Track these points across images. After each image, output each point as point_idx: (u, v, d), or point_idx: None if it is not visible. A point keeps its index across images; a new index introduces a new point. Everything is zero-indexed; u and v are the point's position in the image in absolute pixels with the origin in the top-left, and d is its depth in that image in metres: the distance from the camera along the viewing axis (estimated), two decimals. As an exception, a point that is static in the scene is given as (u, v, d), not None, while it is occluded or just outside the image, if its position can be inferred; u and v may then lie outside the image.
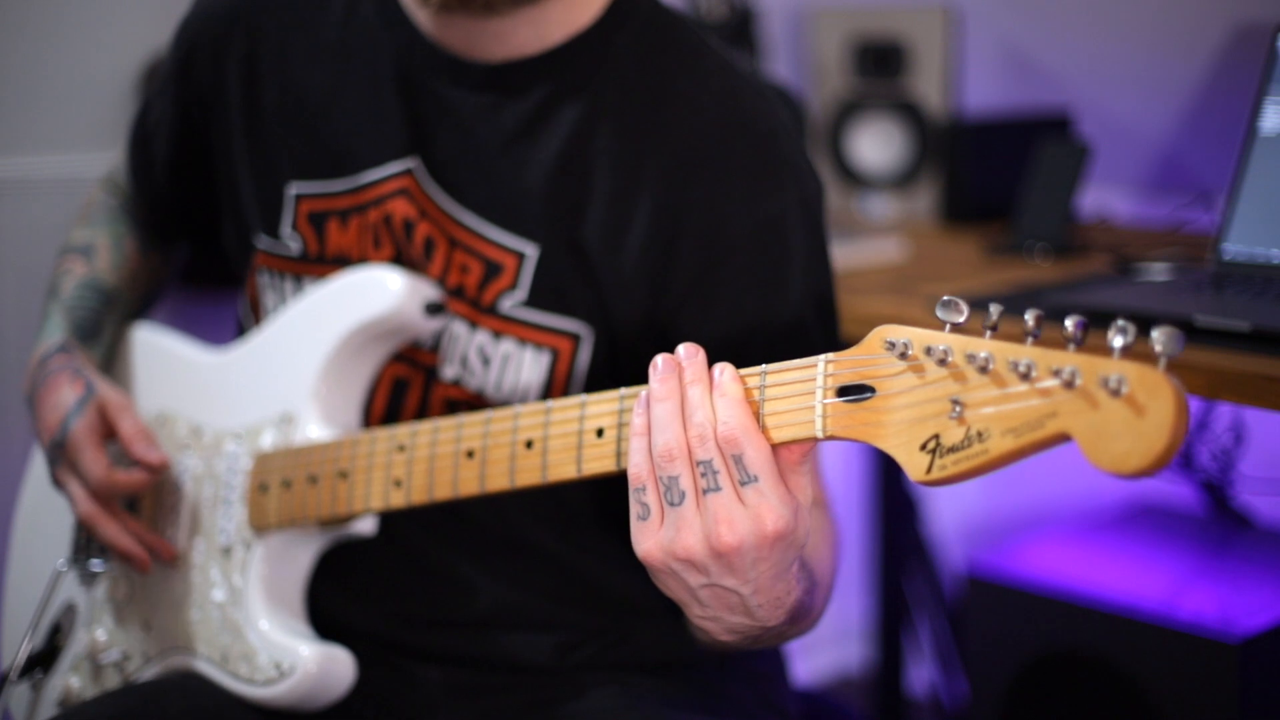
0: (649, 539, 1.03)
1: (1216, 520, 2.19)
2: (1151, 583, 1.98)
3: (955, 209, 2.35)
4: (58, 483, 1.40)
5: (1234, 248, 1.72)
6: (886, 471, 2.54)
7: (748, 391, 1.02)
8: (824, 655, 2.93)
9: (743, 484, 1.00)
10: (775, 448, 1.01)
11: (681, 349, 1.05)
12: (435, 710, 1.37)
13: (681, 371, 1.04)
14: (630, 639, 1.38)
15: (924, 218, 2.43)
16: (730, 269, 1.29)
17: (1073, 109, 2.39)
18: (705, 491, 1.01)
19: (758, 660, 1.46)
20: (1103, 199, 2.34)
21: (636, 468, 1.04)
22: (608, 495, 1.34)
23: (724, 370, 1.03)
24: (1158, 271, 1.81)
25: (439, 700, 1.37)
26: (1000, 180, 2.27)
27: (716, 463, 1.01)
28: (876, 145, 2.47)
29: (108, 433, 1.39)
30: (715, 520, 1.00)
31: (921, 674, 2.73)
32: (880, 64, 2.46)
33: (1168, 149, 2.33)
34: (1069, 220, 2.06)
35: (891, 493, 2.54)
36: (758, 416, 1.02)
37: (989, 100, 2.54)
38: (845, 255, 2.01)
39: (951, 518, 2.74)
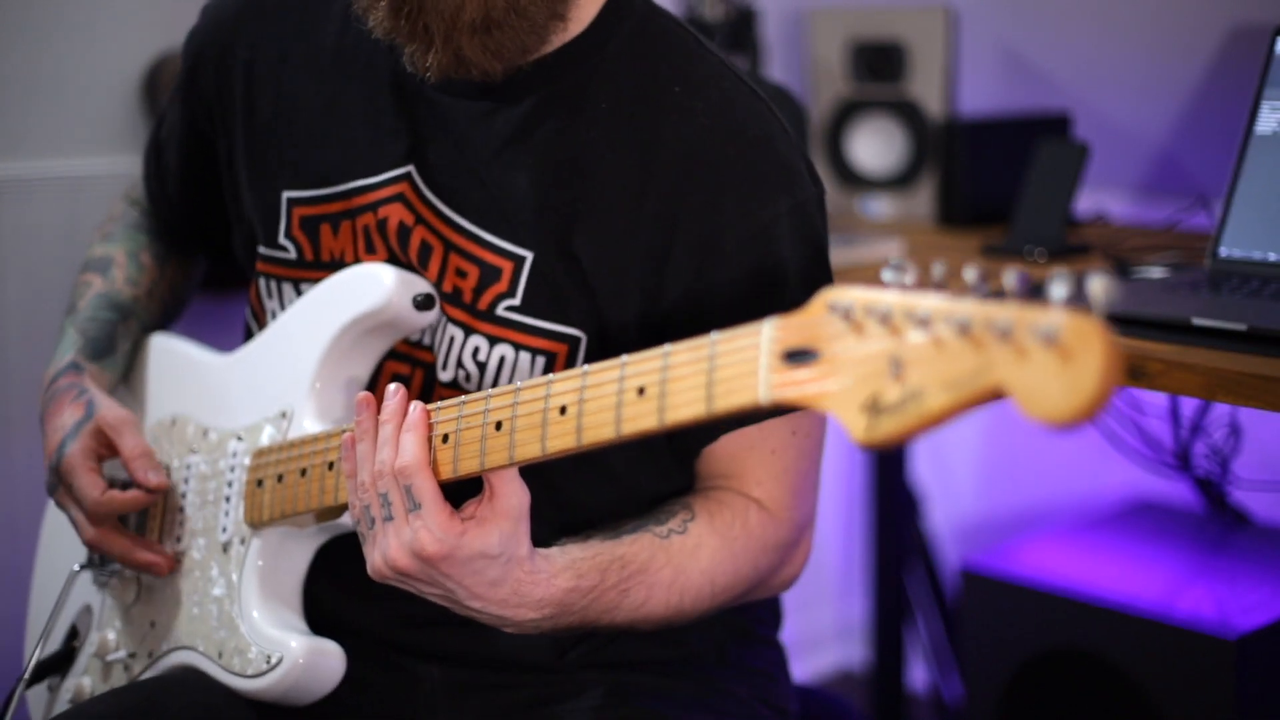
0: (367, 558, 1.19)
1: (1214, 518, 2.20)
2: (1149, 580, 1.98)
3: (953, 210, 2.36)
4: (59, 505, 1.42)
5: (1231, 249, 1.73)
6: (886, 469, 2.55)
7: (431, 428, 1.16)
8: (824, 653, 2.94)
9: (410, 511, 1.14)
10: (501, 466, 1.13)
11: (390, 386, 1.18)
12: (435, 708, 1.38)
13: (375, 410, 1.19)
14: (628, 637, 1.37)
15: (923, 218, 2.43)
16: (724, 278, 1.29)
17: (1071, 110, 2.39)
18: (385, 520, 1.16)
19: (756, 658, 1.46)
20: (1100, 201, 2.35)
21: (350, 504, 1.20)
22: (606, 492, 1.34)
23: (416, 407, 1.17)
24: (1155, 272, 1.82)
25: (439, 698, 1.38)
26: (998, 181, 2.27)
27: (392, 494, 1.15)
28: (875, 146, 2.48)
29: (106, 453, 1.40)
30: (389, 545, 1.15)
31: (922, 671, 2.74)
32: (879, 65, 2.46)
33: (1165, 150, 2.34)
34: (1066, 221, 2.06)
35: (891, 491, 2.55)
36: (441, 450, 1.16)
37: (987, 101, 2.55)
38: (844, 256, 2.02)
39: (950, 515, 2.75)
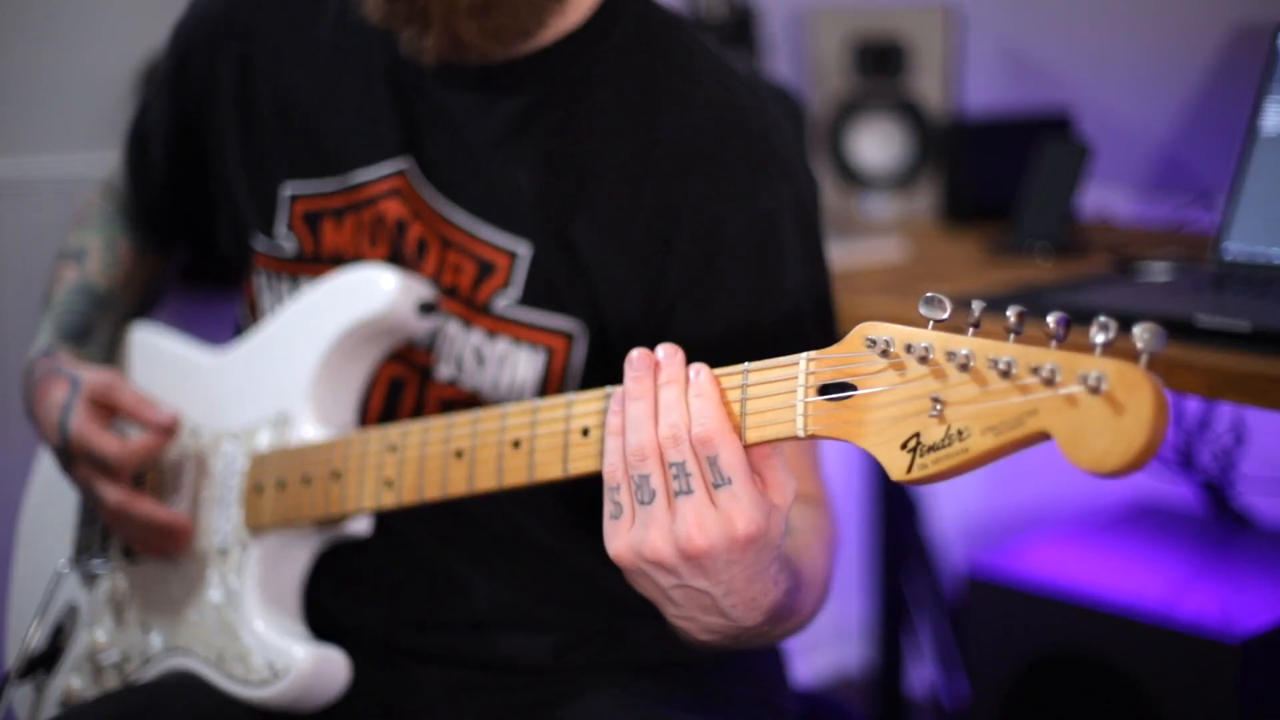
0: (620, 538, 1.04)
1: (1217, 521, 2.19)
2: (1152, 583, 1.98)
3: (955, 209, 2.36)
4: (79, 482, 1.39)
5: (1234, 247, 1.72)
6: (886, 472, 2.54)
7: (723, 393, 1.02)
8: (824, 655, 2.93)
9: (716, 486, 1.00)
10: (747, 446, 1.01)
11: (661, 348, 1.05)
12: (435, 710, 1.37)
13: (657, 369, 1.04)
14: (629, 639, 1.38)
15: (924, 218, 2.43)
16: (725, 267, 1.29)
17: (1073, 109, 2.39)
18: (677, 494, 1.01)
19: (757, 660, 1.46)
20: (1103, 199, 2.34)
21: (611, 467, 1.04)
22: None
23: (700, 370, 1.03)
24: (1158, 271, 1.81)
25: (439, 700, 1.37)
26: (1001, 180, 2.27)
27: (689, 464, 1.01)
28: (877, 145, 2.48)
29: (108, 415, 1.38)
30: (685, 523, 1.00)
31: (922, 674, 2.73)
32: (880, 64, 2.46)
33: (1168, 149, 2.33)
34: (1069, 220, 2.06)
35: (891, 493, 2.55)
36: (736, 418, 1.01)
37: (989, 100, 2.54)
38: (845, 255, 2.01)
39: (952, 518, 2.75)
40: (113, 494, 1.36)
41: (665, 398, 1.03)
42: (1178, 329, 1.50)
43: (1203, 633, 1.81)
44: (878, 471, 2.57)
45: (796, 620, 1.17)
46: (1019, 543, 2.19)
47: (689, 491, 1.00)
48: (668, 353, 1.05)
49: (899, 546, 2.56)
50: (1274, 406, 1.37)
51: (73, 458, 1.38)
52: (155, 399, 1.38)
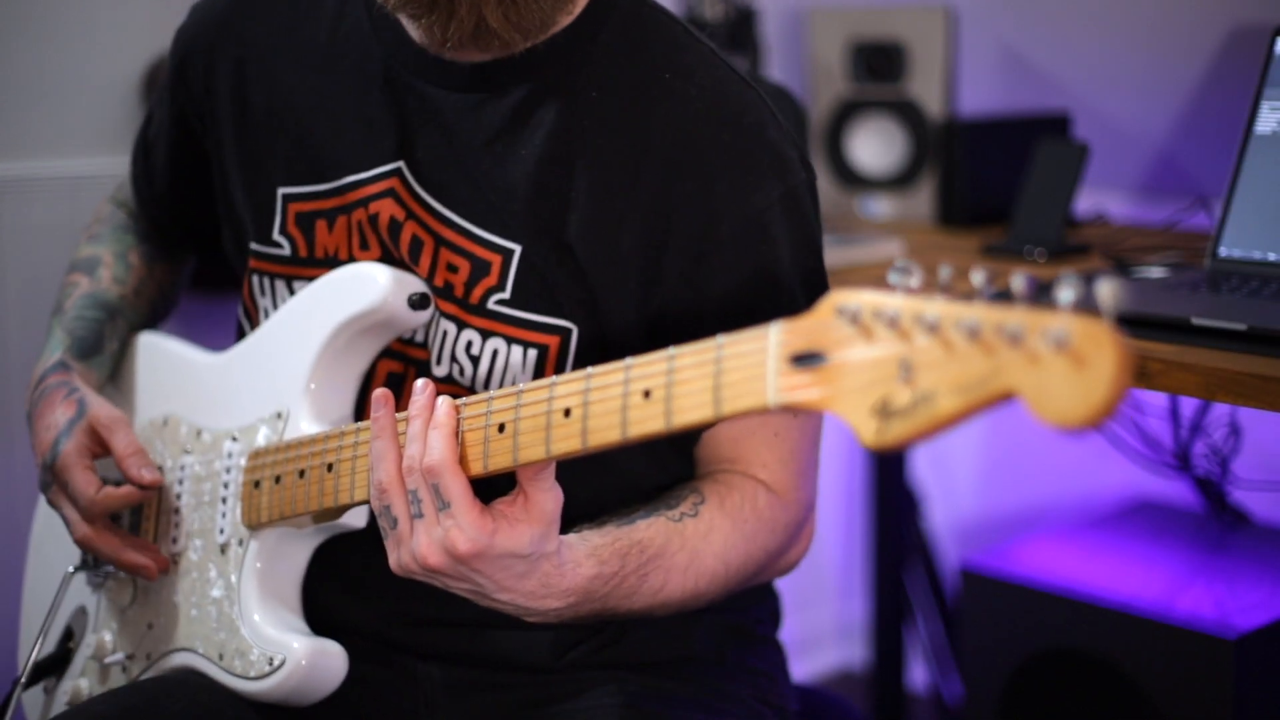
0: (390, 553, 1.17)
1: (1213, 518, 2.20)
2: (1148, 580, 1.98)
3: (953, 210, 2.36)
4: (50, 503, 1.42)
5: (1230, 248, 1.73)
6: (886, 469, 2.55)
7: (460, 424, 1.14)
8: (824, 652, 2.94)
9: (440, 510, 1.13)
10: (519, 465, 1.11)
11: (418, 382, 1.16)
12: (435, 707, 1.38)
13: (392, 406, 1.17)
14: (627, 637, 1.38)
15: (922, 218, 2.43)
16: (718, 265, 1.29)
17: (1070, 111, 2.39)
18: (414, 517, 1.14)
19: (756, 658, 1.46)
20: (1099, 201, 2.35)
21: (370, 495, 1.17)
22: (604, 484, 1.34)
23: (443, 404, 1.15)
24: (1155, 272, 1.82)
25: (439, 698, 1.38)
26: (998, 181, 2.28)
27: (421, 491, 1.14)
28: (875, 146, 2.48)
29: (100, 451, 1.39)
30: (419, 544, 1.14)
31: (922, 670, 2.74)
32: (879, 65, 2.46)
33: (1165, 151, 2.34)
34: (1066, 221, 2.07)
35: (891, 490, 2.55)
36: (471, 446, 1.14)
37: (987, 101, 2.55)
38: (844, 255, 2.02)
39: (950, 515, 2.75)
40: (79, 529, 1.38)
41: (410, 431, 1.15)
42: (1174, 329, 1.51)
43: (1199, 629, 1.82)
44: (878, 469, 2.58)
45: (658, 599, 1.24)
46: (1016, 539, 2.20)
47: (420, 515, 1.14)
48: (417, 388, 1.16)
49: (899, 543, 2.56)
50: (1269, 406, 1.37)
51: (52, 481, 1.40)
52: (146, 454, 1.39)
